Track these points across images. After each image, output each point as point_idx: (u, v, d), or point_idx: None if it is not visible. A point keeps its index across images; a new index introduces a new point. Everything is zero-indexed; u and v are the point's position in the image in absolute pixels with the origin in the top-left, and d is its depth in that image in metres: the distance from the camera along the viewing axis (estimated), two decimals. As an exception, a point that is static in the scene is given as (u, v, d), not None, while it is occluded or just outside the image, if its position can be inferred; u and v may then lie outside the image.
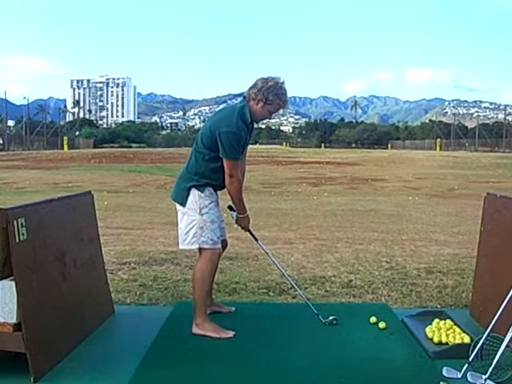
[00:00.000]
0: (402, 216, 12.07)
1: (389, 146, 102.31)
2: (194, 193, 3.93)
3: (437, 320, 3.96)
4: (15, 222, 2.98)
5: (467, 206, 14.42)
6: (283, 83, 3.99)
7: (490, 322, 3.41)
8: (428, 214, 12.59)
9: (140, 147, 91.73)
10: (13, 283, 3.03)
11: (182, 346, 3.72)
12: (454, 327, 3.82)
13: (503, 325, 3.24)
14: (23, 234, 3.04)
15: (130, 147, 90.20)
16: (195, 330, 3.89)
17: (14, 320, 3.05)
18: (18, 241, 2.99)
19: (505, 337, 3.08)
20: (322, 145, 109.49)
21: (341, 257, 6.97)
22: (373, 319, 4.09)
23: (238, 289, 5.29)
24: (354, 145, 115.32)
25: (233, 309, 4.48)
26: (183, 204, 3.98)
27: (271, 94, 3.86)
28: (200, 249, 3.98)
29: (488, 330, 3.26)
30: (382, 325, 3.98)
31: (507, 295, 3.26)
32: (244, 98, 3.94)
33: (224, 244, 4.18)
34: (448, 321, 3.94)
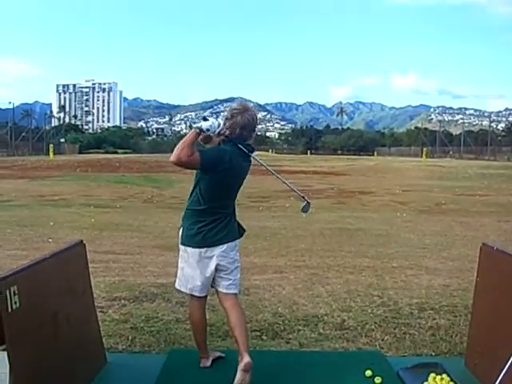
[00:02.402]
0: (390, 237, 12.07)
1: (375, 153, 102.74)
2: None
3: (433, 375, 3.92)
4: (7, 292, 2.91)
5: (455, 224, 14.48)
6: None
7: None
8: (417, 233, 12.60)
9: (126, 153, 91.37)
10: (5, 354, 2.96)
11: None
12: (451, 384, 3.79)
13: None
14: (15, 303, 2.97)
15: (116, 153, 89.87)
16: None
17: (6, 391, 2.99)
18: (10, 310, 2.92)
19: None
20: (308, 152, 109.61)
21: (332, 290, 6.93)
22: (368, 373, 4.05)
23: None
24: (339, 151, 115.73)
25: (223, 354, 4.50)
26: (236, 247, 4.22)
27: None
28: (236, 294, 4.21)
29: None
30: (377, 380, 3.94)
31: (508, 361, 3.22)
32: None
33: None
34: (444, 376, 3.91)
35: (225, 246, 4.04)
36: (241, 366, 3.84)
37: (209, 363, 4.30)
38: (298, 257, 9.45)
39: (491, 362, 3.76)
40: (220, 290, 4.15)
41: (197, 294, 4.12)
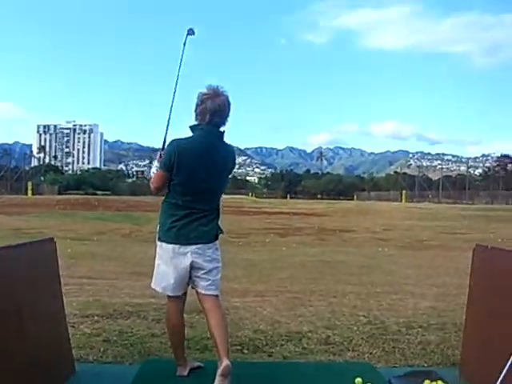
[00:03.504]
0: (373, 267, 11.86)
1: (354, 197, 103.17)
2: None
3: (427, 381, 3.66)
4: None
5: (438, 257, 14.34)
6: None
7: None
8: (399, 265, 12.41)
9: (105, 195, 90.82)
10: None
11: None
12: (447, 390, 3.53)
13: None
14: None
15: (96, 194, 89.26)
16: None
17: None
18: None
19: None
20: (288, 195, 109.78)
21: (316, 311, 6.64)
22: (358, 380, 3.77)
23: (210, 345, 4.91)
24: (319, 196, 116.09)
25: (202, 364, 4.21)
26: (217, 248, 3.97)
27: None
28: (216, 296, 3.93)
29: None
30: (368, 387, 3.67)
31: (505, 366, 2.99)
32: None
33: None
34: (440, 382, 3.64)
35: (200, 245, 3.81)
36: (219, 371, 3.56)
37: (186, 372, 4.01)
38: (280, 283, 9.19)
39: (487, 369, 3.51)
40: (199, 290, 3.89)
41: (170, 293, 3.89)
